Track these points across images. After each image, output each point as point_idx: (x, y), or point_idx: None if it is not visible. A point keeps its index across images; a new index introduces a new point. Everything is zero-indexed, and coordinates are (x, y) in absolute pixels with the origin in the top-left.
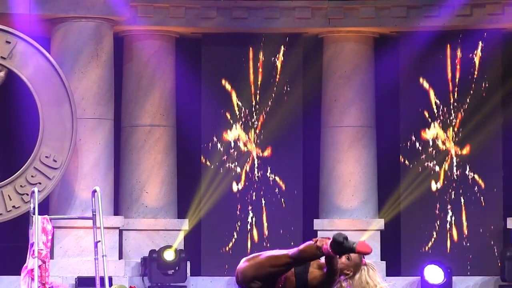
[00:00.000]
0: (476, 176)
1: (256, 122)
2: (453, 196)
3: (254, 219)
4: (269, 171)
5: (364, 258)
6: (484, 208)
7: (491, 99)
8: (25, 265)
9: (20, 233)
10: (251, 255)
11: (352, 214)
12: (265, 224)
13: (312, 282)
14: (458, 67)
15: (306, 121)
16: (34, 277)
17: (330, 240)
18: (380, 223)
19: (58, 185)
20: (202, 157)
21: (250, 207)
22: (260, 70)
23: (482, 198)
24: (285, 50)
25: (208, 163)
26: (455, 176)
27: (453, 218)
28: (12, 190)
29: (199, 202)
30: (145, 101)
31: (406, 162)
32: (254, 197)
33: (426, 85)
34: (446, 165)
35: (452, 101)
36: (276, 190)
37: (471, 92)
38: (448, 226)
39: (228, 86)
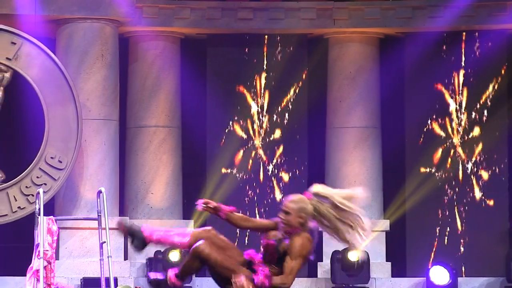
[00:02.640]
0: (481, 177)
1: (261, 123)
2: (458, 197)
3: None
4: (274, 171)
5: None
6: (489, 209)
7: (496, 100)
8: (30, 265)
9: (25, 234)
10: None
11: None
12: None
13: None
14: (463, 67)
15: (311, 122)
16: (40, 277)
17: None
18: (385, 224)
19: (64, 186)
20: (207, 158)
21: (255, 208)
22: (265, 71)
23: (487, 199)
24: (290, 51)
25: (213, 163)
26: (460, 177)
27: (458, 219)
28: (17, 191)
29: None
30: (150, 102)
31: (412, 163)
32: (259, 198)
33: (431, 85)
34: (451, 166)
35: (457, 101)
36: (282, 190)
37: (476, 92)
38: (453, 227)
39: (233, 87)
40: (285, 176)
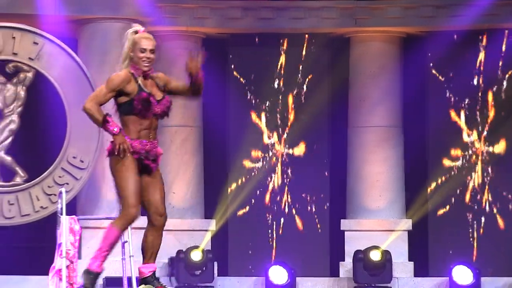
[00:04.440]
0: (505, 176)
1: (283, 122)
2: (481, 196)
3: (281, 219)
4: (296, 171)
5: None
6: None
7: None
8: (52, 265)
9: (47, 234)
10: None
11: (379, 215)
12: (292, 225)
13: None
14: (485, 66)
15: (333, 121)
16: (62, 277)
17: None
18: (407, 224)
19: (86, 185)
20: (228, 158)
21: (276, 207)
22: (287, 70)
23: (510, 197)
24: (311, 50)
25: (234, 163)
26: (483, 176)
27: (481, 218)
28: (39, 191)
29: (226, 202)
30: (172, 101)
31: (434, 162)
32: (280, 197)
33: (453, 84)
34: (474, 165)
35: (480, 100)
36: (303, 190)
37: (500, 91)
38: (476, 226)
39: (254, 87)
40: (307, 176)
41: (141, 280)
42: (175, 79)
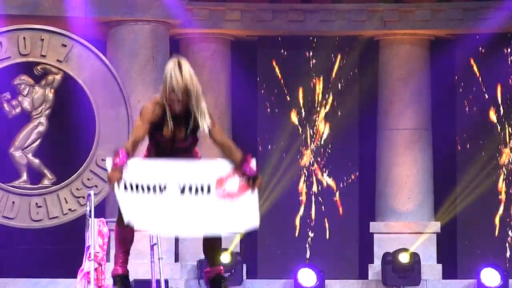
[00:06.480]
0: None
1: (312, 125)
2: (510, 198)
3: (310, 221)
4: (325, 174)
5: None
6: None
7: None
8: (81, 267)
9: (76, 236)
10: None
11: (408, 217)
12: (321, 227)
13: None
14: None
15: (362, 124)
16: (90, 279)
17: None
18: (436, 226)
19: None
20: (258, 160)
21: (306, 210)
22: (316, 73)
23: None
24: (340, 53)
25: (264, 166)
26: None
27: (510, 220)
28: (68, 193)
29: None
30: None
31: (463, 164)
32: (310, 200)
33: (482, 87)
34: (503, 167)
35: (508, 103)
36: (333, 192)
37: None
38: (505, 229)
39: (283, 89)
40: (336, 178)
41: (207, 282)
42: (221, 134)
